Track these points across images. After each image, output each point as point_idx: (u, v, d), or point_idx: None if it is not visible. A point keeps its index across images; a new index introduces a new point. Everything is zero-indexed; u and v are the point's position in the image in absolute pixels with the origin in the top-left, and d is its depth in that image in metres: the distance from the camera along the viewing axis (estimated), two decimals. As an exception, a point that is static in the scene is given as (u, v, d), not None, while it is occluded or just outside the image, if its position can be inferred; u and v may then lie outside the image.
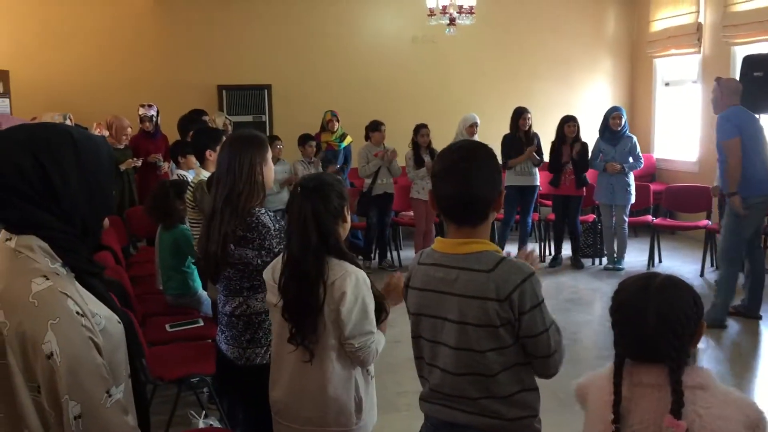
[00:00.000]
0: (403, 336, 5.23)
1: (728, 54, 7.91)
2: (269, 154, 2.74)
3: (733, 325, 5.59)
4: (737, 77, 6.86)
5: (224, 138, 3.95)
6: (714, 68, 8.21)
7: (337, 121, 7.68)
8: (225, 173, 2.62)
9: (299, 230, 2.27)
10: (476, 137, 7.34)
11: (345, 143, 7.74)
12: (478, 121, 7.51)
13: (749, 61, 6.53)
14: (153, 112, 7.26)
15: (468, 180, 1.86)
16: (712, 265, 7.15)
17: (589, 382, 1.66)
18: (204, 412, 3.79)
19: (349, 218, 2.39)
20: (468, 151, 1.92)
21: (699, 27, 8.40)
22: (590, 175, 7.53)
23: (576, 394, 1.71)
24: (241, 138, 2.72)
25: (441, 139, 7.92)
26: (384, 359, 2.44)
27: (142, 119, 7.24)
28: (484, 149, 1.94)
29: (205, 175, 3.88)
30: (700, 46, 8.43)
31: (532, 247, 2.14)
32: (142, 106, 7.29)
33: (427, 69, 9.15)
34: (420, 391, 2.06)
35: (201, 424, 3.64)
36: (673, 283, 1.58)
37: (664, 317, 1.51)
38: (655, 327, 1.51)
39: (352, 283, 2.24)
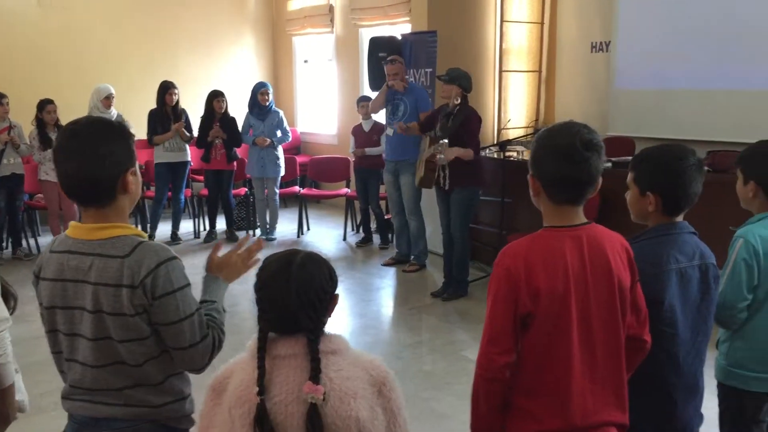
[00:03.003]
0: (42, 332, 4.77)
1: (357, 35, 8.68)
2: None
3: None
4: (365, 57, 7.57)
5: None
6: (346, 48, 8.94)
7: (-53, 92, 6.59)
8: None
9: None
10: (113, 111, 6.95)
11: (-41, 118, 6.68)
12: (113, 92, 7.08)
13: (374, 43, 7.24)
14: None
15: (85, 157, 1.73)
16: (353, 230, 7.85)
17: (230, 369, 1.66)
18: None
19: None
20: (88, 127, 1.79)
21: (331, 9, 9.03)
22: (241, 149, 7.66)
23: (214, 388, 1.66)
24: None
25: (78, 114, 7.25)
26: (23, 358, 2.17)
27: None
28: (109, 125, 1.83)
29: None
30: (332, 27, 9.08)
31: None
32: None
33: (59, 36, 8.29)
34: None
35: None
36: (312, 259, 1.67)
37: (303, 294, 1.60)
38: (295, 303, 1.59)
39: None
